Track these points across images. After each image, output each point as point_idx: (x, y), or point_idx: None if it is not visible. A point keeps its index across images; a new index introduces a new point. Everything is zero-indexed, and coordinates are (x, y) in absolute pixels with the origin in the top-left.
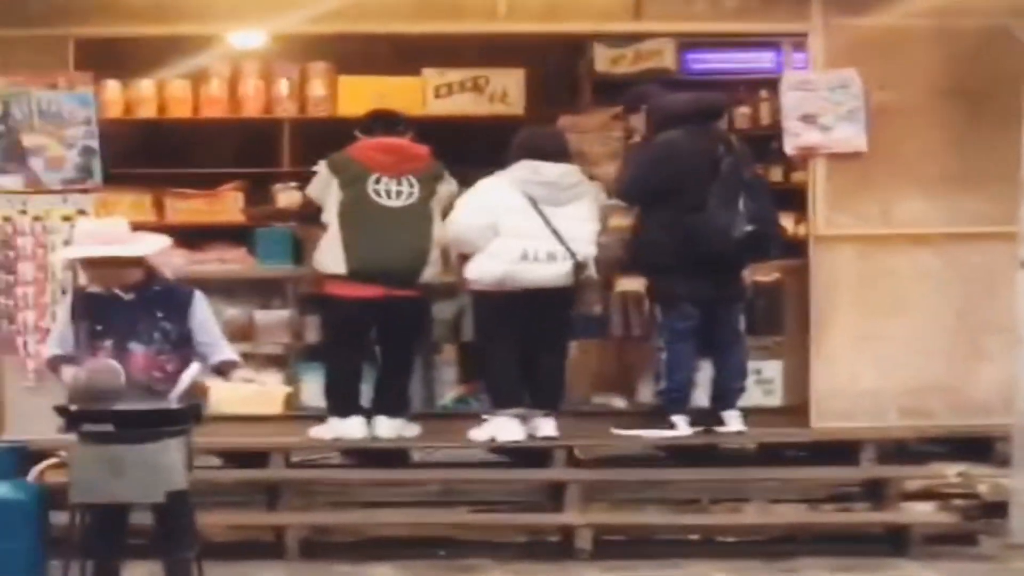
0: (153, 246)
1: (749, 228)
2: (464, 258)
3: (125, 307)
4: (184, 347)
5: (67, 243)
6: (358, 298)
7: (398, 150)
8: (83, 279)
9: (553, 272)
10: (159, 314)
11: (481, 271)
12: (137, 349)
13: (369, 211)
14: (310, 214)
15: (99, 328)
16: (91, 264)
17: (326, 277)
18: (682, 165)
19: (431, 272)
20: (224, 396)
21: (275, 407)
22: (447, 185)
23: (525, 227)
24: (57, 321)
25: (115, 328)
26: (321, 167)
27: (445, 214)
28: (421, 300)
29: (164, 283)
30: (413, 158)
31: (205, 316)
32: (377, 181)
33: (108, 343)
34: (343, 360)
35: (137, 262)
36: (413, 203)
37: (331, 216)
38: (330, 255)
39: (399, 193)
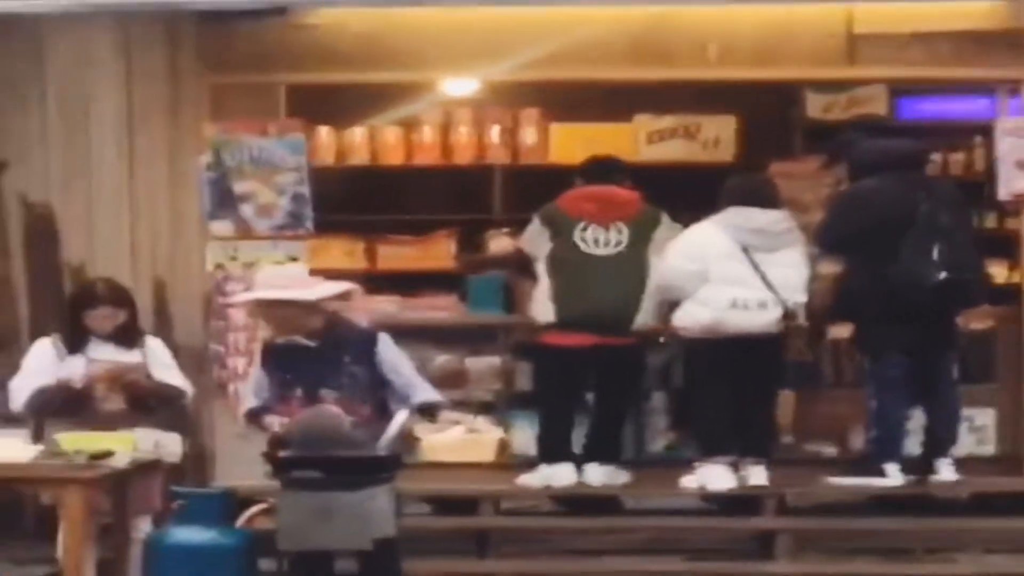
0: (326, 291)
1: (943, 276)
2: (673, 304)
3: (311, 355)
4: (378, 391)
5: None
6: (570, 346)
7: (605, 198)
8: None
9: (763, 320)
10: (346, 359)
11: (690, 318)
12: (329, 396)
13: (577, 260)
14: (522, 264)
15: (288, 377)
16: (269, 311)
17: (539, 326)
18: (877, 214)
19: (645, 319)
20: (437, 443)
21: (488, 454)
22: (666, 230)
23: (735, 274)
24: (252, 374)
25: (304, 377)
26: (534, 219)
27: None
28: (635, 348)
29: (348, 327)
30: (621, 205)
31: (393, 357)
32: (584, 229)
33: (299, 392)
34: (556, 408)
35: (316, 308)
36: (621, 251)
37: (542, 266)
38: (541, 305)
39: (607, 241)
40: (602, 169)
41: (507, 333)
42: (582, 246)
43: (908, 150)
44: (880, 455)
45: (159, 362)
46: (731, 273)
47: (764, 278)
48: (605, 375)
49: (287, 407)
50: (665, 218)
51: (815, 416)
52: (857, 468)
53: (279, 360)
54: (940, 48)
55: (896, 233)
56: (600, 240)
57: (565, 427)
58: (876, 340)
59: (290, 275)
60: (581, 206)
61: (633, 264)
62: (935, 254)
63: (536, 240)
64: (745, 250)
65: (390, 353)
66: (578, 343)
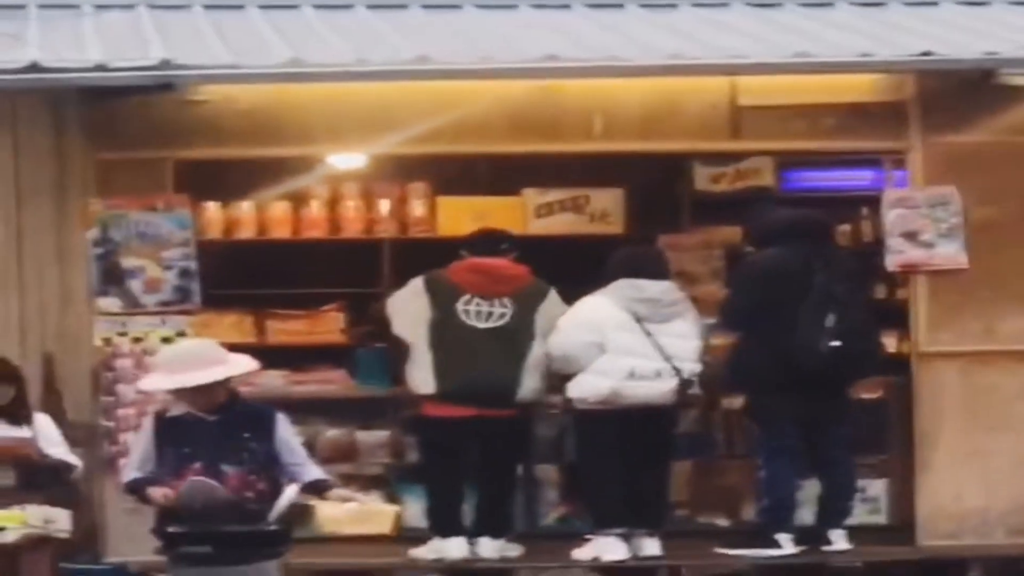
0: (242, 367)
1: (834, 344)
2: (565, 377)
3: (211, 429)
4: (272, 467)
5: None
6: (451, 418)
7: (492, 271)
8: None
9: (659, 390)
10: (246, 434)
11: (587, 389)
12: (229, 470)
13: (458, 332)
14: (383, 324)
15: (187, 451)
16: (181, 390)
17: (420, 397)
18: (776, 284)
19: (530, 391)
20: (333, 516)
21: (385, 526)
22: (551, 304)
23: (631, 344)
24: (136, 446)
25: (204, 450)
26: (416, 281)
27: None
28: (519, 420)
29: (245, 403)
30: (508, 279)
31: (289, 435)
32: (468, 302)
33: (198, 465)
34: (442, 480)
35: (223, 383)
36: (505, 324)
37: (419, 335)
38: (419, 375)
39: (490, 315)
40: (489, 242)
41: (396, 406)
42: (464, 318)
43: (812, 220)
44: (772, 525)
45: (48, 438)
46: (627, 343)
47: (659, 348)
48: (488, 447)
49: (183, 482)
50: (552, 293)
51: (708, 487)
52: (749, 539)
53: (173, 433)
54: (824, 120)
55: (793, 303)
56: (483, 313)
57: (453, 499)
58: (769, 409)
59: (200, 352)
60: (467, 278)
61: (516, 338)
62: (828, 322)
63: (408, 302)
64: (638, 320)
65: (286, 431)
66: (459, 414)
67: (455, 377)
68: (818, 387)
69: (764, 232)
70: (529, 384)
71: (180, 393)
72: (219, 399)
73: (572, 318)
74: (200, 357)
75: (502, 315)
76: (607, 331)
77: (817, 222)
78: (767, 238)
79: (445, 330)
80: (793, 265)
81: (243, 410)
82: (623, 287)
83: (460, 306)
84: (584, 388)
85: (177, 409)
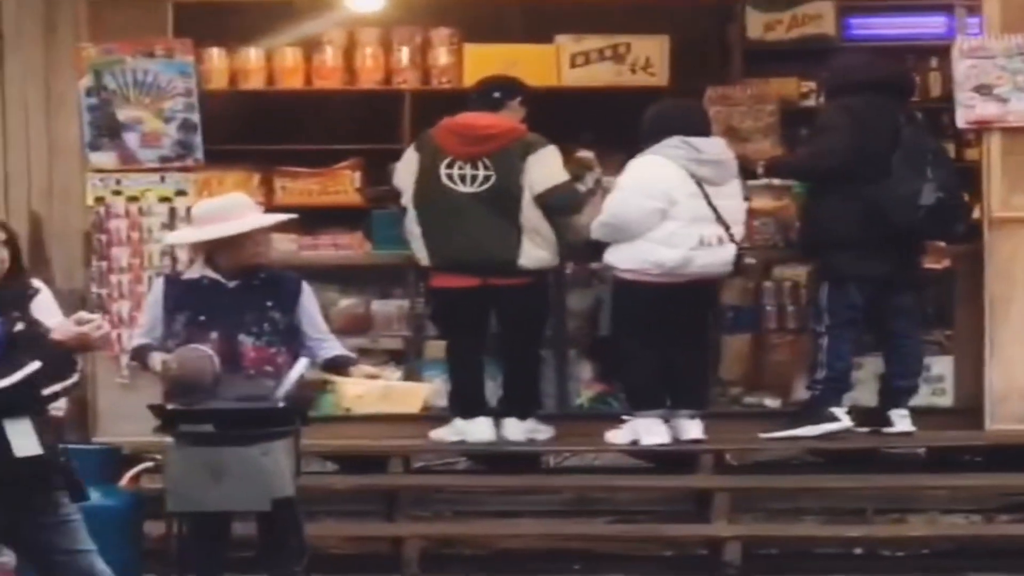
0: (275, 217)
1: (939, 195)
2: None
3: (230, 295)
4: (292, 340)
5: (165, 227)
6: (455, 289)
7: (469, 130)
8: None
9: (722, 258)
10: (268, 303)
11: (648, 259)
12: (247, 341)
13: (441, 198)
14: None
15: (202, 319)
16: (220, 245)
17: (425, 267)
18: (864, 134)
19: (536, 258)
20: (358, 394)
21: (414, 406)
22: (540, 161)
23: (698, 210)
24: (145, 310)
25: (221, 319)
26: (409, 148)
27: (541, 187)
28: (529, 288)
29: (270, 270)
30: (486, 138)
31: (314, 308)
32: (450, 165)
33: (214, 335)
34: (460, 356)
35: (256, 244)
36: (490, 187)
37: (408, 201)
38: (415, 245)
39: (473, 178)
40: (481, 94)
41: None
42: (447, 183)
43: (897, 74)
44: (827, 397)
45: (48, 310)
46: (694, 210)
47: (717, 213)
48: (501, 319)
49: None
50: (544, 150)
51: (757, 365)
52: (801, 419)
53: (188, 298)
54: None
55: (881, 155)
56: (467, 177)
57: (474, 377)
58: (845, 270)
59: (232, 204)
60: (447, 139)
61: (503, 201)
62: (929, 175)
63: (404, 166)
64: (699, 183)
65: (312, 303)
66: (462, 285)
67: (446, 246)
68: (900, 248)
69: (849, 80)
70: (532, 250)
71: (210, 247)
72: (248, 260)
73: (633, 182)
74: (230, 209)
75: (487, 178)
76: (676, 197)
77: (904, 78)
78: (851, 86)
79: (431, 197)
80: (879, 116)
81: (266, 277)
82: (679, 146)
83: (443, 170)
84: (643, 258)
85: (192, 272)
